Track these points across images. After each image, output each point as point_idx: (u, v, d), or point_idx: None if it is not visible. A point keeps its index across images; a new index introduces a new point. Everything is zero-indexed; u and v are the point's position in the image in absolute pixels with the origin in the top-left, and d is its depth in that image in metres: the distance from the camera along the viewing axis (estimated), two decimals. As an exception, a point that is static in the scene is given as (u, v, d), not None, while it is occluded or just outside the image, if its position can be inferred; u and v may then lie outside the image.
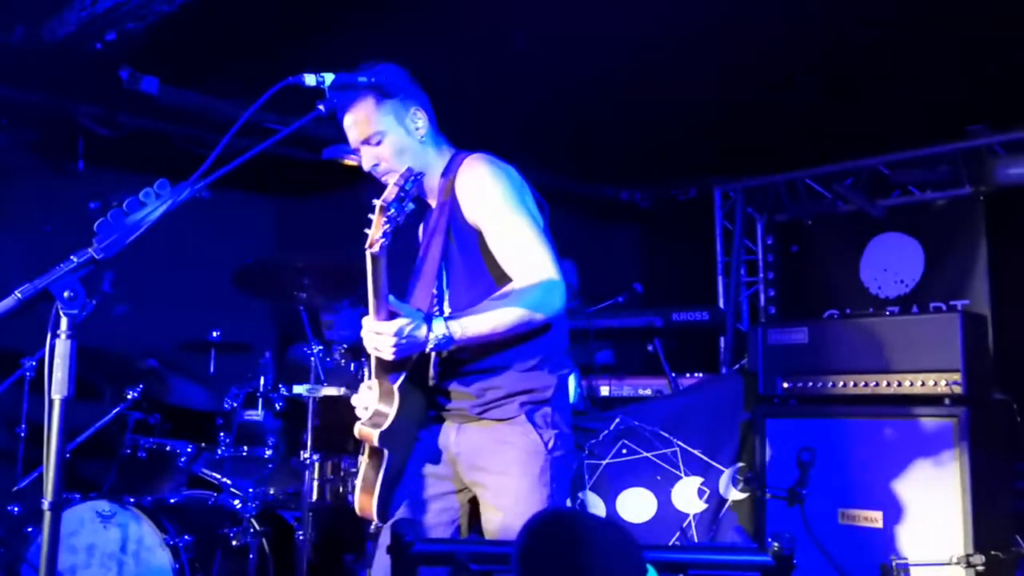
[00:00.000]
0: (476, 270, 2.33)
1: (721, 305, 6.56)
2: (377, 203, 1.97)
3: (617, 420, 4.18)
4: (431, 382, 2.34)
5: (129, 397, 4.05)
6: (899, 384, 3.69)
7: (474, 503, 2.41)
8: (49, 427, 1.79)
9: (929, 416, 3.58)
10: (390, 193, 1.99)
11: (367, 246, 1.99)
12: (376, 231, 1.97)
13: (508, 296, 2.21)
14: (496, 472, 2.31)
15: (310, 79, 2.17)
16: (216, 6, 3.87)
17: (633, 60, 4.62)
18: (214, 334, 4.57)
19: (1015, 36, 4.23)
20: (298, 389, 3.96)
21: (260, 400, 4.18)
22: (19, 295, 1.78)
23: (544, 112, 5.23)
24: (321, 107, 2.21)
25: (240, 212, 5.76)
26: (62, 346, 1.79)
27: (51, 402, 1.79)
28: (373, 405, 2.24)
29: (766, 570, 1.73)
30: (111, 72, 4.54)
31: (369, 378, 2.31)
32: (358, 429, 2.25)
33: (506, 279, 2.28)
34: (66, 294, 1.78)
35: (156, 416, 4.24)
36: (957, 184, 5.64)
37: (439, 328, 2.14)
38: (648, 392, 4.81)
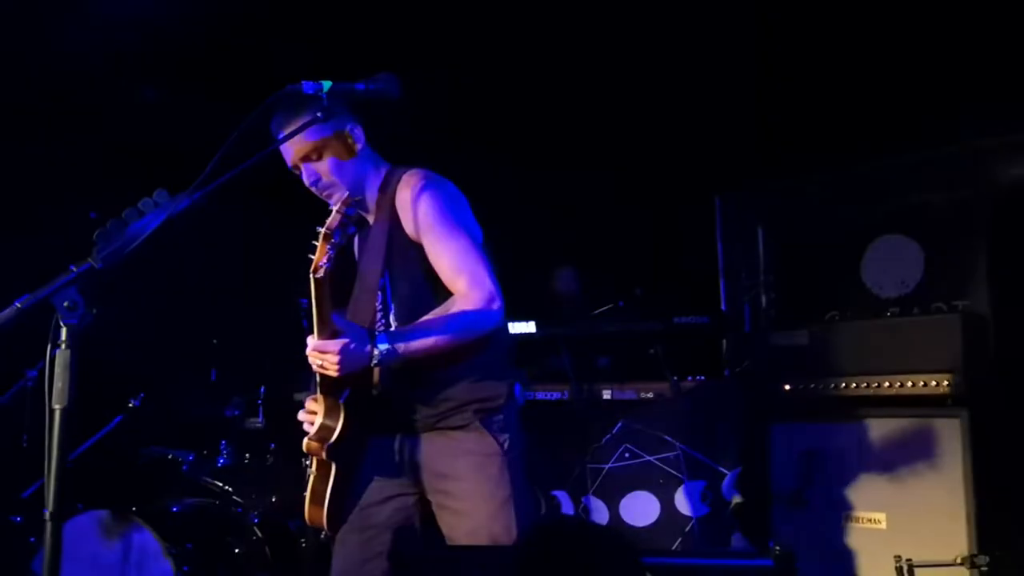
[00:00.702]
0: (418, 284, 2.39)
1: (722, 308, 6.55)
2: (321, 230, 2.05)
3: (619, 424, 4.17)
4: (375, 392, 2.39)
5: (130, 406, 4.05)
6: (901, 385, 3.68)
7: (425, 504, 2.47)
8: (50, 437, 1.79)
9: (931, 417, 3.58)
10: (333, 220, 2.06)
11: (311, 271, 2.06)
12: (320, 256, 2.05)
13: (448, 314, 2.28)
14: (457, 478, 2.38)
15: (308, 87, 2.18)
16: (214, 15, 3.88)
17: (632, 63, 4.63)
18: (215, 342, 4.57)
19: (1016, 35, 4.23)
20: (300, 397, 3.96)
21: (261, 408, 4.18)
22: (19, 306, 1.78)
23: (544, 116, 5.23)
24: (320, 115, 2.23)
25: (240, 220, 5.77)
26: (62, 356, 1.79)
27: (52, 412, 1.79)
28: (319, 419, 2.30)
29: (768, 574, 1.73)
30: (110, 81, 4.55)
31: (314, 392, 2.36)
32: (306, 443, 2.31)
33: (447, 292, 2.34)
34: (66, 304, 1.79)
35: (158, 425, 4.24)
36: (957, 185, 5.63)
37: (382, 344, 2.20)
38: (650, 396, 4.79)
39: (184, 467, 4.13)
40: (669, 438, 4.12)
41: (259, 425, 4.20)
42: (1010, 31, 4.21)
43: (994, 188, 5.36)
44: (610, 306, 5.12)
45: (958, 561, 3.35)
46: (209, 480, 4.19)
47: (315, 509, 2.36)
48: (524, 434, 2.51)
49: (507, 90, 4.94)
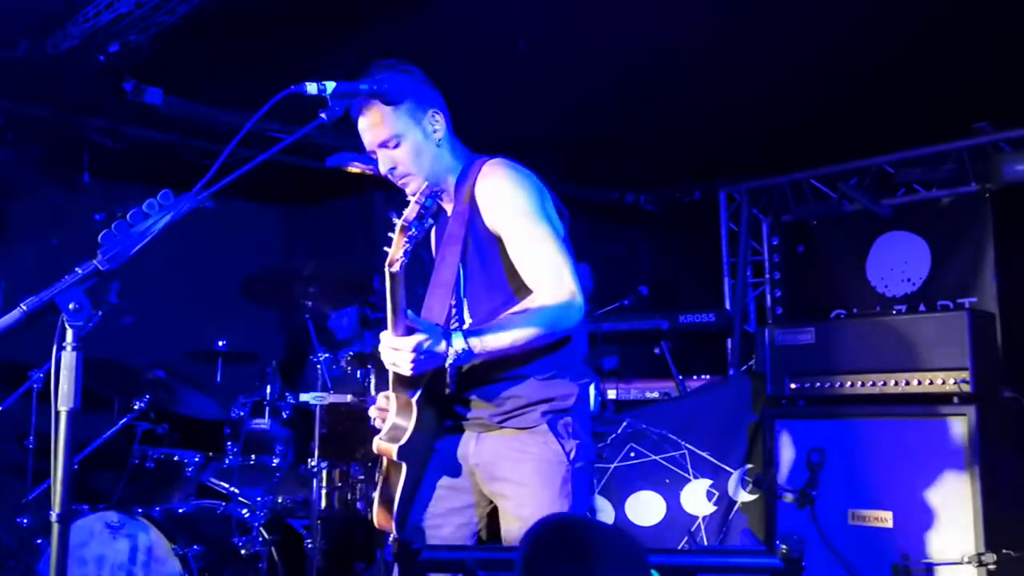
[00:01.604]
0: (495, 278, 2.30)
1: (728, 307, 6.55)
2: (398, 222, 1.97)
3: (625, 423, 4.17)
4: (447, 391, 2.31)
5: (136, 408, 4.06)
6: (907, 383, 3.67)
7: (493, 516, 2.37)
8: (56, 439, 1.79)
9: (938, 415, 3.57)
10: (411, 212, 1.97)
11: (387, 264, 1.99)
12: (396, 250, 1.97)
13: (527, 310, 2.19)
14: (517, 482, 2.27)
15: (312, 88, 2.16)
16: (218, 16, 3.88)
17: (638, 63, 4.62)
18: (220, 343, 4.57)
19: (1019, 32, 4.21)
20: (305, 397, 3.96)
21: (267, 409, 4.19)
22: (24, 308, 1.78)
23: (548, 115, 5.23)
24: (323, 115, 2.19)
25: (245, 221, 5.78)
26: (68, 358, 1.79)
27: (58, 414, 1.79)
28: (391, 418, 2.23)
29: (775, 572, 1.72)
30: (115, 84, 4.56)
31: (386, 390, 2.29)
32: (376, 444, 2.23)
33: (525, 288, 2.25)
34: (71, 306, 1.78)
35: (164, 426, 4.25)
36: (963, 182, 5.62)
37: (459, 343, 2.11)
38: (656, 395, 4.80)
39: (190, 468, 4.13)
40: (675, 437, 4.12)
41: (265, 426, 4.20)
42: (1014, 27, 4.19)
43: (1001, 184, 5.35)
44: (616, 305, 5.12)
45: (965, 560, 3.34)
46: (215, 481, 4.20)
47: (384, 512, 2.26)
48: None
49: (510, 93, 4.94)
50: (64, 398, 1.79)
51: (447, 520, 2.35)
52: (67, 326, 1.79)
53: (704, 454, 4.09)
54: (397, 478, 2.24)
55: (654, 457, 4.11)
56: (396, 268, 1.98)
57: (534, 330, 2.16)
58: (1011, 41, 4.34)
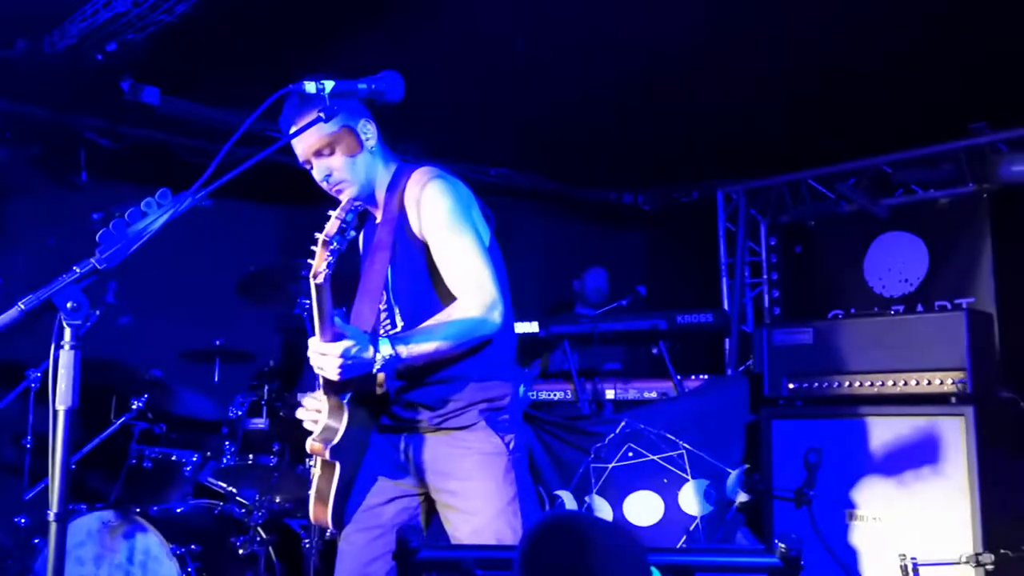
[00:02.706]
0: (424, 284, 2.38)
1: (726, 307, 6.55)
2: (320, 237, 2.03)
3: (623, 423, 4.17)
4: (379, 391, 2.38)
5: (134, 407, 4.05)
6: (905, 383, 3.68)
7: (430, 504, 2.46)
8: (54, 438, 1.79)
9: (936, 415, 3.57)
10: (332, 227, 2.04)
11: (311, 276, 2.05)
12: (320, 263, 2.03)
13: (450, 318, 2.27)
14: (461, 478, 2.37)
15: (310, 86, 2.17)
16: (216, 16, 3.88)
17: (635, 63, 4.62)
18: (217, 343, 4.57)
19: (1016, 33, 4.22)
20: (302, 397, 3.96)
21: (265, 408, 4.18)
22: (22, 306, 1.78)
23: (546, 116, 5.23)
24: (322, 115, 2.21)
25: (242, 221, 5.77)
26: (66, 357, 1.79)
27: (56, 413, 1.79)
28: (323, 419, 2.30)
29: (773, 572, 1.72)
30: (112, 83, 4.56)
31: (316, 391, 2.36)
32: (309, 444, 2.31)
33: (452, 294, 2.33)
34: (69, 305, 1.78)
35: (161, 426, 4.24)
36: (960, 182, 5.62)
37: (385, 349, 2.18)
38: (653, 395, 4.79)
39: (188, 468, 4.12)
40: (673, 437, 4.11)
41: (262, 426, 4.20)
42: (1011, 27, 4.19)
43: (999, 185, 5.35)
44: (614, 305, 5.12)
45: (963, 560, 3.34)
46: (213, 481, 4.20)
47: (320, 508, 2.36)
48: (526, 433, 2.52)
49: (509, 93, 4.94)
50: (61, 397, 1.79)
51: (387, 507, 2.44)
52: (65, 325, 1.79)
53: (702, 454, 4.09)
54: (331, 476, 2.33)
55: (652, 457, 4.11)
56: (320, 280, 2.05)
57: (454, 339, 2.25)
58: (1008, 41, 4.34)
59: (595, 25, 4.29)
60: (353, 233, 2.09)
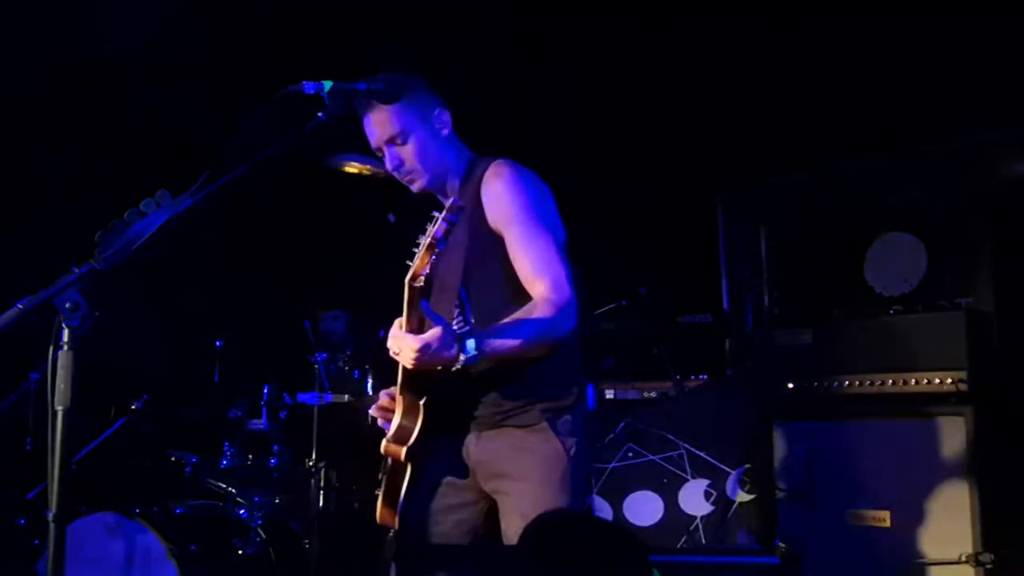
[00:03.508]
0: (498, 279, 2.32)
1: (726, 307, 6.55)
2: (425, 239, 1.98)
3: (623, 424, 4.17)
4: (447, 389, 2.33)
5: (133, 408, 4.05)
6: (905, 383, 3.68)
7: (491, 514, 2.39)
8: (53, 439, 1.79)
9: (936, 414, 3.57)
10: (439, 228, 1.98)
11: (409, 278, 2.01)
12: (421, 265, 1.99)
13: (529, 317, 2.20)
14: (517, 478, 2.30)
15: (310, 87, 2.16)
16: (215, 16, 3.88)
17: (634, 61, 4.62)
18: (218, 344, 4.57)
19: (1017, 31, 4.22)
20: (303, 397, 3.96)
21: (265, 409, 4.18)
22: (21, 307, 1.78)
23: (545, 115, 5.23)
24: (321, 115, 2.20)
25: (243, 221, 5.77)
26: (65, 358, 1.79)
27: (54, 414, 1.79)
28: (398, 419, 2.26)
29: (773, 572, 1.72)
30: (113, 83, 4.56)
31: (385, 388, 2.33)
32: (384, 445, 2.26)
33: (526, 291, 2.27)
34: (68, 305, 1.78)
35: (161, 427, 4.24)
36: (961, 181, 5.62)
37: (471, 346, 2.11)
38: (654, 395, 4.79)
39: (187, 469, 4.12)
40: (673, 437, 4.11)
41: (262, 426, 4.20)
42: (1012, 26, 4.19)
43: (998, 184, 5.35)
44: (614, 305, 5.12)
45: (963, 559, 3.35)
46: (213, 482, 4.19)
47: (388, 510, 2.30)
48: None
49: (507, 93, 4.94)
50: (60, 398, 1.79)
51: (446, 517, 2.37)
52: (64, 326, 1.79)
53: (702, 454, 4.09)
54: (402, 478, 2.27)
55: (652, 457, 4.11)
56: (420, 283, 2.01)
57: (531, 339, 2.18)
58: (1009, 40, 4.34)
59: (596, 23, 4.29)
60: (448, 234, 2.03)
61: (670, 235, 7.26)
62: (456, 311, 2.38)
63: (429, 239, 1.98)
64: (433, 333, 2.07)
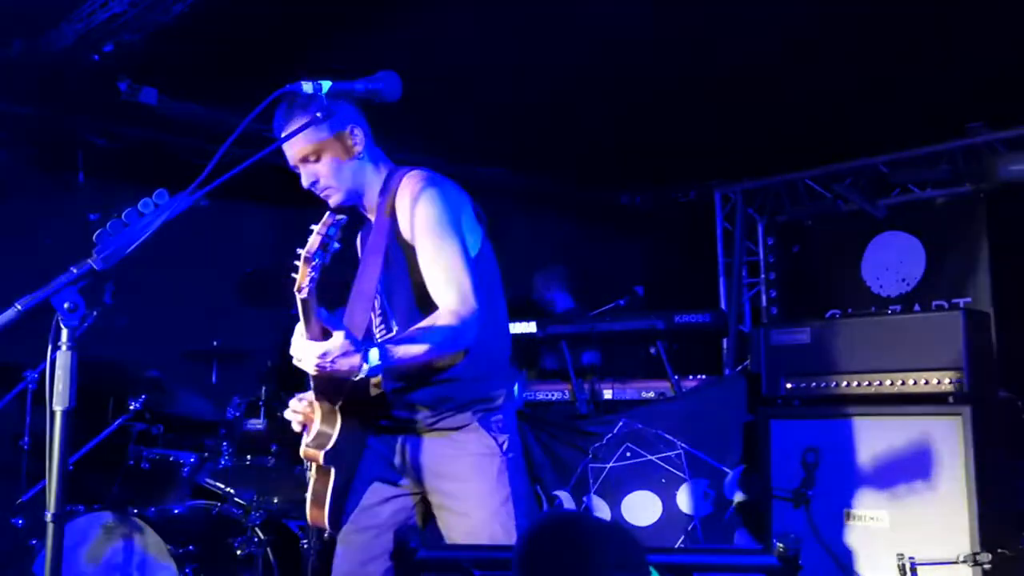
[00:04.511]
0: (411, 287, 2.38)
1: (723, 306, 6.55)
2: (301, 253, 2.04)
3: (620, 423, 4.17)
4: (374, 391, 2.40)
5: (131, 408, 4.04)
6: (902, 383, 3.68)
7: (426, 504, 2.47)
8: (51, 439, 1.78)
9: (933, 415, 3.57)
10: (313, 243, 2.04)
11: (296, 290, 2.07)
12: (303, 278, 2.05)
13: (431, 327, 2.26)
14: (456, 478, 2.38)
15: (307, 86, 2.17)
16: (213, 16, 3.88)
17: (632, 63, 4.62)
18: (215, 343, 4.56)
19: (1014, 33, 4.22)
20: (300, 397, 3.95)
21: (262, 409, 4.18)
22: (19, 307, 1.78)
23: (544, 117, 5.24)
24: (319, 114, 2.22)
25: (240, 221, 5.77)
26: (63, 358, 1.79)
27: (53, 414, 1.79)
28: (317, 425, 2.33)
29: (771, 571, 1.73)
30: (110, 83, 4.55)
31: (308, 393, 2.38)
32: (303, 450, 2.33)
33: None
34: (66, 305, 1.78)
35: (159, 427, 4.24)
36: (957, 182, 5.63)
37: (373, 357, 2.16)
38: (651, 395, 4.79)
39: (185, 469, 4.12)
40: (670, 437, 4.11)
41: (260, 426, 4.19)
42: (1008, 27, 4.20)
43: (996, 184, 5.36)
44: (611, 305, 5.12)
45: (960, 559, 3.35)
46: (210, 482, 4.19)
47: (316, 510, 2.38)
48: (519, 437, 2.51)
49: (506, 94, 4.94)
50: (59, 398, 1.79)
51: (383, 507, 2.45)
52: (62, 326, 1.79)
53: (700, 454, 4.09)
54: (327, 480, 2.34)
55: (650, 457, 4.11)
56: (304, 295, 2.07)
57: (437, 346, 2.24)
58: (1005, 41, 4.35)
59: (593, 23, 4.29)
60: (337, 246, 2.09)
61: (667, 235, 7.29)
62: (378, 318, 2.46)
63: (305, 254, 2.04)
64: (333, 341, 2.12)
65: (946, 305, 5.47)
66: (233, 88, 4.53)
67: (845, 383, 3.82)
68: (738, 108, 5.18)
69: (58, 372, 1.79)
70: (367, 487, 2.45)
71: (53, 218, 5.00)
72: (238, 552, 3.82)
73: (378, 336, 2.48)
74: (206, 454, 4.16)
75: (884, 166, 5.93)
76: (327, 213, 2.13)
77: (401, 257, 2.39)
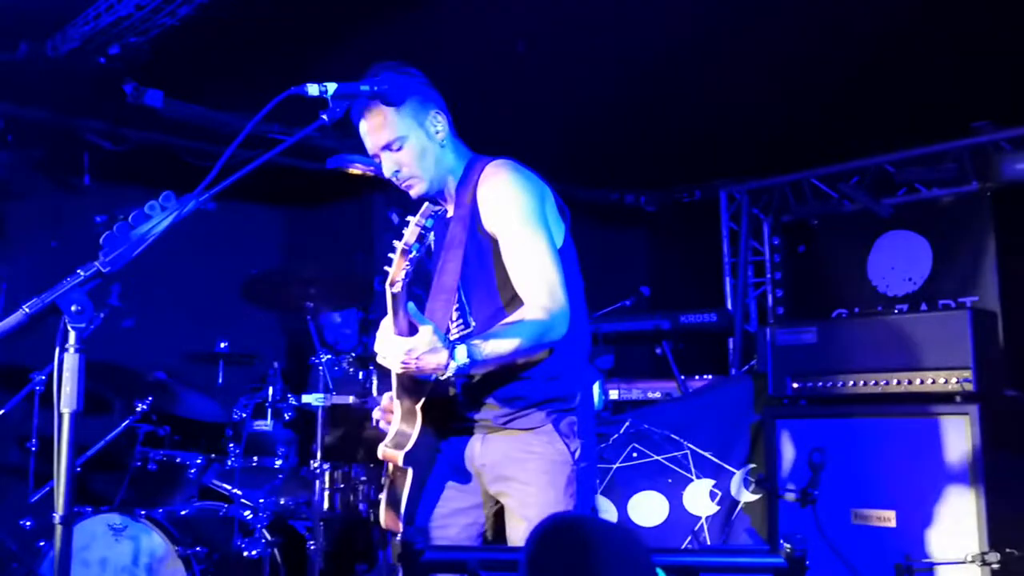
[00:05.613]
0: (494, 281, 2.29)
1: (729, 306, 6.54)
2: (399, 245, 1.99)
3: (627, 423, 4.17)
4: (451, 392, 2.32)
5: (139, 410, 4.06)
6: (909, 382, 3.67)
7: (499, 516, 2.38)
8: (59, 441, 1.79)
9: (940, 414, 3.56)
10: (411, 235, 1.99)
11: (388, 284, 2.01)
12: (397, 272, 1.99)
13: (519, 322, 2.17)
14: (522, 482, 2.28)
15: (313, 89, 2.16)
16: (219, 18, 3.88)
17: (636, 63, 4.62)
18: (222, 345, 4.57)
19: (1020, 31, 4.21)
20: (307, 399, 3.97)
21: (269, 410, 4.19)
22: (27, 309, 1.78)
23: (547, 116, 5.23)
24: (324, 117, 2.19)
25: (246, 223, 5.78)
26: (70, 360, 1.79)
27: (60, 416, 1.79)
28: (396, 424, 2.25)
29: (778, 572, 1.72)
30: (115, 86, 4.56)
31: (389, 390, 2.30)
32: (382, 450, 2.25)
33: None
34: (73, 308, 1.79)
35: (166, 428, 4.25)
36: (963, 181, 5.61)
37: (461, 356, 2.08)
38: (657, 395, 4.80)
39: (192, 470, 4.13)
40: (677, 437, 4.11)
41: (267, 428, 4.20)
42: (1013, 25, 4.19)
43: (1002, 183, 5.35)
44: (617, 305, 5.12)
45: (969, 559, 3.34)
46: (217, 483, 4.20)
47: (391, 515, 2.28)
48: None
49: (510, 93, 4.94)
50: (66, 400, 1.79)
51: (453, 520, 2.36)
52: (69, 328, 1.79)
53: (706, 454, 4.09)
54: (403, 482, 2.25)
55: (656, 457, 4.11)
56: (397, 289, 2.01)
57: (525, 343, 2.15)
58: (1011, 39, 4.33)
59: (597, 24, 4.29)
60: (432, 238, 2.05)
61: (673, 235, 7.28)
62: (456, 312, 2.36)
63: (403, 245, 1.99)
64: (419, 337, 2.05)
65: (953, 304, 5.45)
66: (239, 91, 4.54)
67: (851, 383, 3.82)
68: (743, 108, 5.17)
69: (65, 374, 1.79)
70: (440, 493, 2.37)
71: (59, 221, 5.02)
72: (245, 554, 3.82)
73: (455, 333, 2.37)
74: (213, 456, 4.17)
75: (890, 165, 5.91)
76: (425, 204, 2.06)
77: (482, 250, 2.30)
